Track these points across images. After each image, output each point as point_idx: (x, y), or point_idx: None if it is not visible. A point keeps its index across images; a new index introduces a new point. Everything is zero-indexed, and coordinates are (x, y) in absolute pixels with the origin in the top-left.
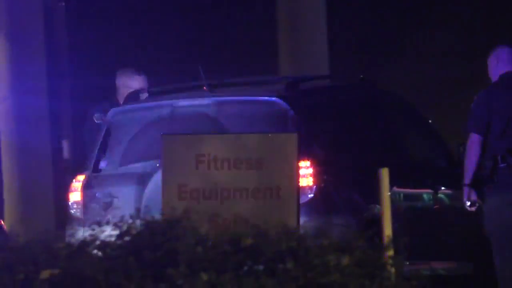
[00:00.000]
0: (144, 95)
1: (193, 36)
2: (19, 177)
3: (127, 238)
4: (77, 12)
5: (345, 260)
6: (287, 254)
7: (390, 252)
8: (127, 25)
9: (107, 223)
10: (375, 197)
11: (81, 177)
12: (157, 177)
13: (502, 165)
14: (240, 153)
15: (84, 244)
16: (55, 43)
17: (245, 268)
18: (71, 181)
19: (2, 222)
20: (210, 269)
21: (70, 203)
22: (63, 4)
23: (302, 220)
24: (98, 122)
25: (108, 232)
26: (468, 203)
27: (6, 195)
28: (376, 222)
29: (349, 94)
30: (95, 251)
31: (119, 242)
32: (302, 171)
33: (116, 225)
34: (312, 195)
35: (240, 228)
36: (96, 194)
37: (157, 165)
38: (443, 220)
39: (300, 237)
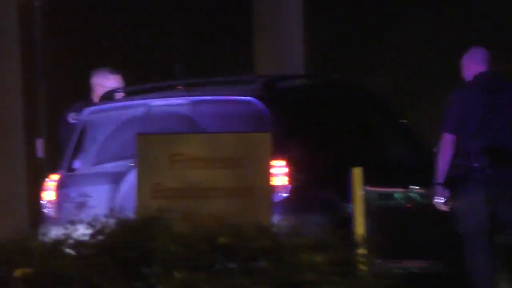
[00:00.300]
0: (120, 95)
1: (171, 37)
2: None
3: (101, 237)
4: (52, 12)
5: (318, 259)
6: (261, 252)
7: (362, 251)
8: (103, 24)
9: (81, 222)
10: (348, 196)
11: (55, 176)
12: (131, 177)
13: (475, 164)
14: (215, 153)
15: (58, 243)
16: (30, 41)
17: (219, 266)
18: (45, 180)
19: None
20: (184, 268)
21: (44, 202)
22: (39, 3)
23: (276, 219)
24: (74, 121)
25: (82, 231)
26: (441, 202)
27: None
28: (349, 221)
29: (325, 93)
30: (69, 250)
31: (93, 241)
32: (277, 171)
33: (90, 224)
34: (287, 194)
35: (214, 227)
36: (70, 194)
37: (132, 164)
38: (415, 219)
39: (274, 235)
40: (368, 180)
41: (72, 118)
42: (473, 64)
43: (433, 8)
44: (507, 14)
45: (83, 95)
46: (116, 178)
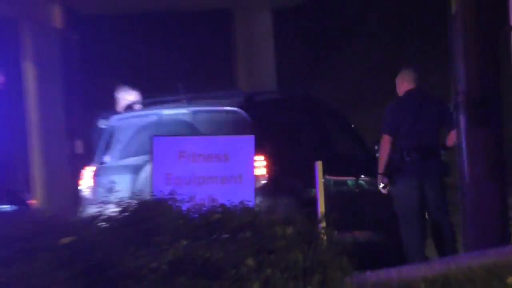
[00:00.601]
0: (138, 106)
1: (173, 61)
2: (44, 167)
3: (125, 214)
4: (86, 42)
5: (289, 231)
6: (246, 226)
7: (323, 225)
8: (125, 52)
9: (110, 202)
10: (312, 183)
11: (90, 168)
12: (148, 168)
13: (407, 158)
14: (212, 150)
15: (93, 218)
16: (70, 65)
17: (215, 236)
18: (83, 171)
19: (32, 201)
20: (188, 237)
21: (82, 187)
22: (76, 37)
23: (257, 200)
24: (103, 127)
25: (111, 209)
26: (381, 186)
27: (34, 181)
28: (312, 202)
29: (292, 105)
30: (101, 224)
31: (119, 216)
32: (257, 164)
33: (117, 204)
34: (265, 181)
35: (210, 206)
36: (102, 181)
37: (148, 158)
38: (363, 200)
39: (256, 213)
40: (327, 170)
41: (102, 124)
42: (404, 83)
43: (377, 36)
44: (431, 37)
45: (109, 106)
46: (136, 169)
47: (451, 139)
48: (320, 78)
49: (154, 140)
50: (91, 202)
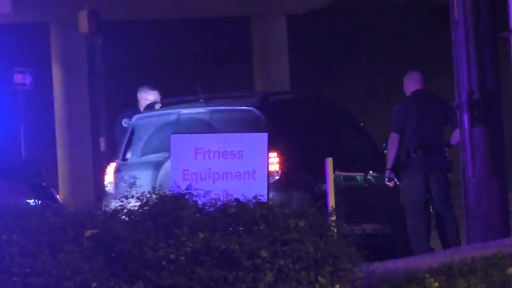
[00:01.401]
0: (158, 105)
1: (193, 63)
2: (70, 164)
3: (146, 208)
4: (110, 46)
5: (302, 223)
6: (260, 219)
7: (333, 218)
8: (144, 54)
9: (132, 197)
10: (323, 178)
11: (113, 164)
12: (167, 164)
13: (413, 155)
14: (227, 147)
15: (116, 212)
16: (94, 67)
17: (230, 229)
18: (106, 167)
19: (57, 196)
20: (206, 230)
21: (105, 182)
22: (101, 41)
23: (271, 195)
24: (125, 125)
25: (133, 204)
26: (388, 181)
27: (60, 177)
28: (323, 196)
29: (304, 105)
30: (123, 217)
31: (140, 210)
32: (271, 160)
33: (138, 199)
34: (278, 177)
35: (226, 200)
36: (124, 176)
37: (167, 155)
38: (371, 195)
39: (269, 207)
40: (337, 166)
41: (124, 122)
42: (412, 84)
43: (385, 43)
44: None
45: (131, 106)
46: (156, 166)
47: (455, 137)
48: (332, 80)
49: (171, 138)
50: (114, 196)
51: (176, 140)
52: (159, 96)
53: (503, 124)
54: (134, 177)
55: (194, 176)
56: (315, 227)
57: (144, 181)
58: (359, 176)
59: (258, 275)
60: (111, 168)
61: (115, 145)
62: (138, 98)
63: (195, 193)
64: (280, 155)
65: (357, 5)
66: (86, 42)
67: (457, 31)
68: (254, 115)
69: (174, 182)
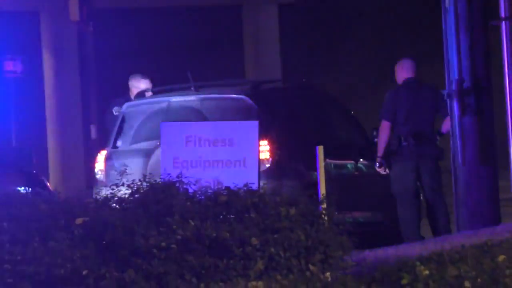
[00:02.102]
0: (149, 93)
1: (184, 51)
2: (60, 151)
3: (136, 196)
4: (101, 33)
5: (292, 211)
6: (251, 207)
7: (324, 206)
8: (135, 42)
9: (122, 185)
10: (314, 166)
11: (104, 152)
12: (158, 152)
13: (404, 143)
14: (218, 135)
15: (106, 200)
16: (85, 56)
17: (221, 217)
18: (97, 155)
19: (48, 183)
20: (196, 218)
21: (96, 170)
22: (91, 29)
23: (262, 183)
24: (116, 114)
25: (123, 192)
26: (379, 169)
27: (50, 165)
28: (314, 184)
29: (295, 93)
30: (114, 205)
31: (131, 198)
32: (262, 148)
33: (129, 186)
34: (269, 165)
35: (217, 188)
36: (115, 164)
37: (158, 143)
38: (362, 183)
39: (260, 195)
40: (328, 154)
41: (115, 111)
42: (403, 71)
43: (375, 31)
44: (425, 33)
45: (122, 94)
46: (147, 153)
47: (446, 126)
48: (323, 69)
49: (162, 125)
50: (104, 184)
51: (167, 128)
52: (151, 85)
53: (493, 112)
54: (125, 165)
55: (184, 164)
56: (306, 215)
57: (134, 169)
58: (350, 164)
59: (249, 263)
60: (101, 156)
61: (106, 133)
62: (130, 86)
63: (185, 181)
64: (271, 143)
65: None
66: (77, 30)
67: (448, 19)
68: (245, 103)
69: (164, 170)
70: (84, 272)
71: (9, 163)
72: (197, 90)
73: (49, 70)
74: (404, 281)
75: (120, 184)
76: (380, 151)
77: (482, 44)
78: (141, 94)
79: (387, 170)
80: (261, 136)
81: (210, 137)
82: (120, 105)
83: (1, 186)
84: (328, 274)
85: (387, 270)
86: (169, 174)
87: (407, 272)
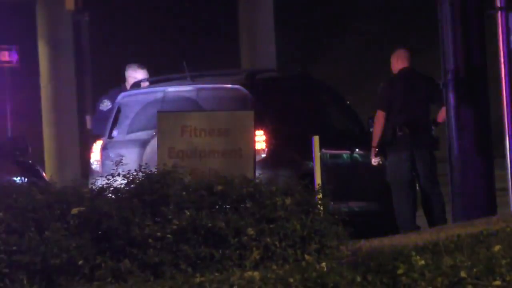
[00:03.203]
0: (145, 84)
1: (180, 42)
2: (56, 141)
3: (132, 186)
4: (97, 23)
5: (288, 201)
6: (247, 197)
7: (320, 195)
8: (131, 31)
9: (118, 175)
10: (309, 156)
11: (99, 142)
12: (154, 142)
13: (399, 133)
14: (213, 125)
15: (102, 189)
16: (81, 45)
17: (217, 207)
18: (92, 145)
19: (44, 173)
20: (192, 208)
21: (91, 160)
22: (87, 18)
23: (257, 173)
24: (107, 108)
25: (119, 182)
26: (374, 159)
27: (46, 154)
28: (309, 174)
29: (291, 83)
30: (110, 195)
31: (126, 188)
32: (257, 138)
33: (124, 176)
34: (264, 155)
35: (213, 178)
36: (110, 154)
37: (154, 133)
38: (357, 172)
39: (256, 184)
40: (324, 144)
41: (105, 106)
42: (398, 61)
43: (371, 21)
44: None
45: (118, 83)
46: (143, 143)
47: (442, 115)
48: (319, 58)
49: (158, 115)
50: (100, 174)
51: (163, 118)
52: (147, 75)
53: (489, 102)
54: (121, 155)
55: (180, 154)
56: (301, 205)
57: (130, 159)
58: (345, 154)
59: (245, 253)
60: (97, 146)
61: (97, 125)
62: (126, 76)
63: (181, 170)
64: (267, 133)
65: None
66: (73, 20)
67: (443, 9)
68: (241, 93)
69: (160, 160)
70: (80, 262)
71: (5, 153)
72: (193, 80)
73: (44, 60)
74: (399, 271)
75: (116, 174)
76: (375, 141)
77: (477, 34)
78: (136, 84)
79: (381, 161)
80: (257, 126)
81: (206, 127)
82: (112, 98)
83: None
84: (323, 263)
85: (383, 260)
86: (164, 164)
87: (402, 262)
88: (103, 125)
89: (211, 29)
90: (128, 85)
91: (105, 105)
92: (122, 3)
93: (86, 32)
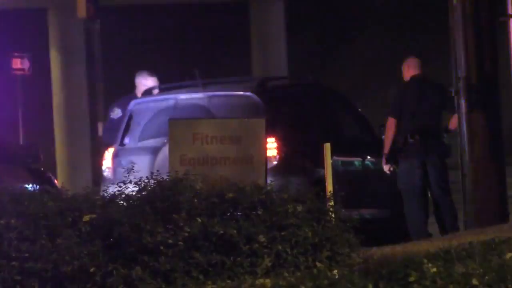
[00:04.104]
0: (156, 91)
1: (191, 49)
2: (68, 148)
3: (144, 193)
4: (107, 29)
5: (300, 208)
6: (258, 204)
7: (331, 203)
8: (142, 39)
9: (130, 182)
10: (321, 163)
11: (111, 149)
12: (165, 150)
13: (410, 140)
14: (225, 132)
15: (114, 197)
16: (92, 53)
17: (228, 214)
18: (104, 152)
19: (55, 180)
20: (203, 215)
21: (103, 167)
22: (99, 26)
23: (268, 180)
24: (117, 116)
25: (131, 189)
26: (386, 167)
27: (58, 161)
28: (321, 181)
29: (302, 90)
30: (121, 202)
31: (138, 195)
32: (269, 145)
33: (136, 184)
34: (276, 162)
35: (224, 185)
36: (122, 162)
37: (165, 141)
38: (369, 179)
39: (267, 192)
40: (335, 151)
41: (116, 114)
42: (410, 69)
43: (381, 28)
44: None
45: (128, 92)
46: (154, 151)
47: (453, 122)
48: (330, 66)
49: (170, 123)
50: (112, 182)
51: (174, 125)
52: (157, 82)
53: (500, 109)
54: (132, 162)
55: (192, 161)
56: (313, 212)
57: (142, 166)
58: (357, 161)
59: (256, 260)
60: (109, 153)
61: (108, 132)
62: (136, 84)
63: (193, 178)
64: (278, 140)
65: None
66: (84, 27)
67: (455, 16)
68: (252, 100)
69: (172, 167)
70: (92, 269)
71: (17, 160)
72: (204, 87)
73: (56, 67)
74: (411, 279)
75: (128, 182)
76: (386, 148)
77: (489, 41)
78: (148, 92)
79: (392, 168)
80: (268, 133)
81: (217, 134)
82: (123, 106)
83: (8, 183)
84: (335, 271)
85: (394, 267)
86: (176, 171)
87: (414, 270)
88: (113, 134)
89: (223, 36)
90: (138, 93)
91: (116, 113)
92: (134, 10)
93: (98, 40)
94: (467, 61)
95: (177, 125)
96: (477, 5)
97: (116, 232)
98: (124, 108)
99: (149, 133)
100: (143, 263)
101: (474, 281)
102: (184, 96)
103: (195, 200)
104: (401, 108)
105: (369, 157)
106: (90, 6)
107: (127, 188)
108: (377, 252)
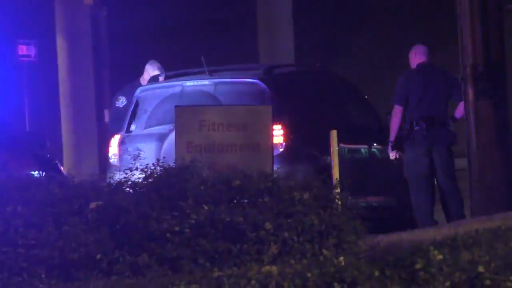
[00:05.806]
0: (162, 77)
1: (198, 36)
2: (74, 135)
3: (150, 180)
4: (114, 18)
5: (306, 196)
6: (265, 191)
7: (338, 190)
8: (148, 26)
9: (136, 169)
10: (327, 151)
11: (117, 136)
12: (172, 137)
13: (416, 128)
14: (231, 119)
15: (120, 184)
16: (99, 40)
17: (235, 201)
18: (111, 139)
19: (62, 167)
20: (210, 202)
21: (109, 154)
22: (105, 13)
23: (275, 167)
24: (123, 105)
25: (137, 176)
26: (392, 154)
27: (64, 149)
28: (327, 169)
29: (309, 77)
30: (128, 189)
31: (144, 182)
32: (275, 132)
33: (142, 171)
34: (282, 149)
35: (231, 172)
36: (128, 149)
37: (172, 128)
38: (375, 167)
39: (274, 179)
40: (341, 139)
41: (121, 102)
42: (416, 56)
43: (388, 16)
44: (439, 19)
45: (136, 77)
46: (161, 138)
47: (460, 111)
48: (337, 53)
49: (176, 110)
50: (118, 169)
51: (181, 112)
52: (164, 68)
53: (507, 97)
54: (139, 149)
55: (198, 149)
56: (319, 200)
57: (148, 153)
58: (363, 148)
59: (263, 247)
60: (115, 140)
61: (114, 119)
62: (145, 70)
63: (199, 165)
64: (285, 127)
65: None
66: (91, 14)
67: (462, 3)
68: (259, 88)
69: (178, 154)
70: (98, 257)
71: (23, 147)
72: (211, 74)
73: (62, 54)
74: (417, 266)
75: (134, 169)
76: (392, 135)
77: (496, 29)
78: (154, 78)
79: (398, 155)
80: (275, 120)
81: (224, 121)
82: (127, 94)
83: (15, 170)
84: (341, 258)
85: (401, 255)
86: (182, 158)
87: (420, 257)
88: (120, 124)
89: (230, 23)
90: (143, 81)
91: (121, 101)
92: None
93: (104, 27)
94: (474, 48)
95: (183, 112)
96: None
97: (122, 219)
98: (129, 96)
99: (155, 120)
100: (149, 250)
101: (481, 269)
102: (190, 83)
103: (202, 187)
104: (407, 95)
105: (375, 144)
106: None
107: (133, 175)
108: (384, 239)
